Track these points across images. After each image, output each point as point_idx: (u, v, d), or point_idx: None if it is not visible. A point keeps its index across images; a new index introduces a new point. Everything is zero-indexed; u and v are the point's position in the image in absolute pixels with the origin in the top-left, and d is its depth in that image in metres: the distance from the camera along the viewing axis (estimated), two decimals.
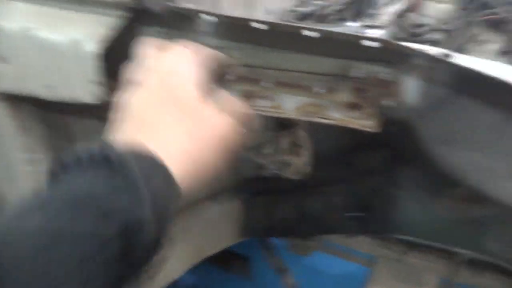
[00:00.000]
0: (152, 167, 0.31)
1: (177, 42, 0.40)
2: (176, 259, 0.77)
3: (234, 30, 0.44)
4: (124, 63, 0.51)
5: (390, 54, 0.38)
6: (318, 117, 0.44)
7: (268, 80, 0.46)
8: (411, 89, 0.39)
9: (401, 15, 0.73)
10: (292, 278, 0.97)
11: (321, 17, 0.76)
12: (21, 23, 0.49)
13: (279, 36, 0.42)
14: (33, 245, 0.26)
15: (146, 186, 0.29)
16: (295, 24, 0.39)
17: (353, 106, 0.43)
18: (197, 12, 0.44)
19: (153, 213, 0.29)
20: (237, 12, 0.66)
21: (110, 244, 0.27)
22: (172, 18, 0.47)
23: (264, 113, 0.47)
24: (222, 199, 0.81)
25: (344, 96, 0.43)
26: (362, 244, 0.95)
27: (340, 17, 0.73)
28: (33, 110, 0.57)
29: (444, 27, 0.84)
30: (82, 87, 0.47)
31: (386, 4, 0.73)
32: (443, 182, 0.38)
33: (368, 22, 0.62)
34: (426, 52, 0.36)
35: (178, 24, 0.47)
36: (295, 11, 0.79)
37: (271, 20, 0.40)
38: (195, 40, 0.47)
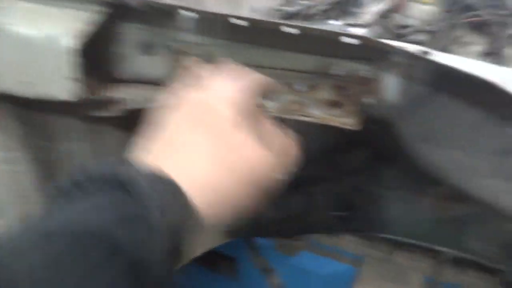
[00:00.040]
0: (171, 194, 0.28)
1: (222, 66, 0.37)
2: None
3: (214, 26, 0.43)
4: (103, 59, 0.50)
5: (370, 52, 0.38)
6: (299, 115, 0.44)
7: None
8: (391, 86, 0.39)
9: (385, 15, 0.74)
10: (278, 278, 0.96)
11: (306, 17, 0.76)
12: None
13: (260, 33, 0.41)
14: (33, 284, 0.23)
15: (162, 216, 0.26)
16: (274, 21, 0.38)
17: (334, 104, 0.43)
18: (176, 8, 0.43)
19: (167, 247, 0.26)
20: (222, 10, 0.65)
21: (118, 282, 0.24)
22: (152, 14, 0.46)
23: None
24: None
25: (325, 94, 0.43)
26: (349, 244, 0.95)
27: (326, 17, 0.73)
28: (10, 107, 0.55)
29: (428, 28, 0.85)
30: (59, 84, 0.46)
31: (370, 4, 0.74)
32: (425, 181, 0.38)
33: (351, 20, 0.62)
34: (405, 49, 0.36)
35: (158, 21, 0.47)
36: (280, 10, 0.78)
37: (251, 17, 0.39)
38: (176, 37, 0.47)
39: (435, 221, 0.50)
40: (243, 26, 0.40)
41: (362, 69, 0.40)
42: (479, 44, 0.91)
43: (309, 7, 0.77)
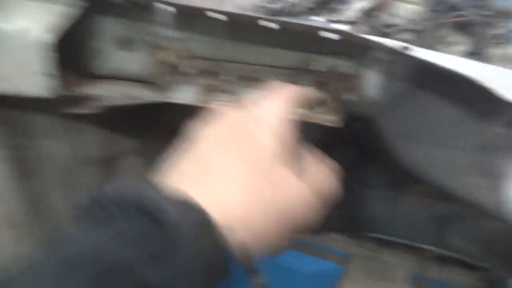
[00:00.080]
0: (202, 226, 0.25)
1: (267, 87, 0.34)
2: None
3: (193, 21, 0.42)
4: (79, 55, 0.48)
5: (350, 47, 0.37)
6: None
7: (230, 73, 0.45)
8: (372, 83, 0.39)
9: (369, 13, 0.74)
10: (262, 277, 0.96)
11: (290, 14, 0.75)
12: None
13: (239, 28, 0.41)
14: None
15: (193, 253, 0.24)
16: (253, 15, 0.37)
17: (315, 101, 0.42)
18: (153, 1, 0.42)
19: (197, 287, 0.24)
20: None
21: None
22: (129, 8, 0.45)
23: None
24: None
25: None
26: (336, 242, 0.95)
27: (310, 14, 0.73)
28: None
29: (413, 27, 0.85)
30: (32, 80, 0.44)
31: (354, 2, 0.73)
32: (407, 179, 0.37)
33: (334, 17, 0.61)
34: (386, 45, 0.36)
35: (136, 15, 0.45)
36: (265, 7, 0.78)
37: (229, 11, 0.38)
38: (155, 32, 0.46)
39: (419, 219, 0.50)
40: (222, 21, 0.39)
41: (343, 65, 0.40)
42: (463, 44, 0.92)
43: (293, 4, 0.77)
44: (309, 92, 0.35)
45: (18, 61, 0.44)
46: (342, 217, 0.63)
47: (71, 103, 0.50)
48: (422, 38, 0.85)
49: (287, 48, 0.41)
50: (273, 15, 0.77)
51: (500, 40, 0.91)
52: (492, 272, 0.83)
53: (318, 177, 0.32)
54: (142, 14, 0.45)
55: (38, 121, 0.59)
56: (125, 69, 0.49)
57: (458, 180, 0.35)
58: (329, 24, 0.50)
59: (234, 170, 0.28)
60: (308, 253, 1.05)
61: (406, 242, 0.75)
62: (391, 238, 0.71)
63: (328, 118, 0.41)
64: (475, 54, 0.88)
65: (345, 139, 0.39)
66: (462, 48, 0.91)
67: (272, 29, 0.38)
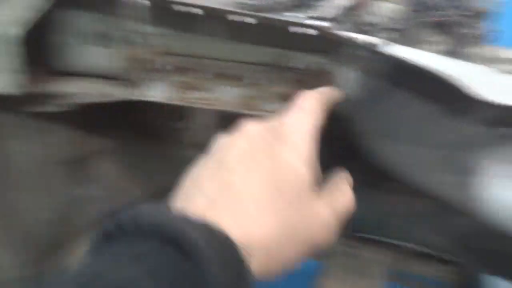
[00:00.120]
0: (229, 255, 0.24)
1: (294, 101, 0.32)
2: None
3: (168, 15, 0.41)
4: (48, 50, 0.46)
5: (328, 44, 0.37)
6: (255, 110, 0.42)
7: (206, 70, 0.43)
8: (349, 80, 0.38)
9: (350, 11, 0.74)
10: None
11: (272, 11, 0.74)
12: None
13: (215, 23, 0.39)
14: None
15: (221, 283, 0.22)
16: (228, 9, 0.36)
17: (291, 98, 0.41)
18: None
19: None
20: None
21: None
22: (100, 0, 0.43)
23: (201, 106, 0.44)
24: (165, 199, 0.78)
25: (283, 88, 0.41)
26: None
27: (290, 10, 0.72)
28: None
29: (394, 26, 0.85)
30: None
31: None
32: (381, 176, 0.37)
33: (314, 13, 0.61)
34: (361, 41, 0.35)
35: (108, 8, 0.44)
36: (245, 4, 0.77)
37: (204, 5, 0.37)
38: (129, 27, 0.44)
39: (393, 216, 0.50)
40: (198, 15, 0.38)
41: (320, 62, 0.39)
42: (442, 43, 0.93)
43: (274, 1, 0.76)
44: (331, 93, 0.34)
45: None
46: None
47: (39, 101, 0.48)
48: (403, 37, 0.85)
49: (265, 45, 0.40)
50: (254, 11, 0.76)
51: (477, 39, 0.92)
52: (465, 266, 0.85)
53: (338, 196, 0.31)
54: (114, 8, 0.43)
55: (4, 120, 0.57)
56: (96, 65, 0.47)
57: (430, 178, 0.35)
58: (307, 20, 0.50)
59: (259, 194, 0.27)
60: None
61: (381, 238, 0.76)
62: (364, 235, 0.71)
63: None
64: (454, 53, 0.90)
65: (321, 137, 0.38)
66: (441, 47, 0.92)
67: (249, 25, 0.37)
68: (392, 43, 0.37)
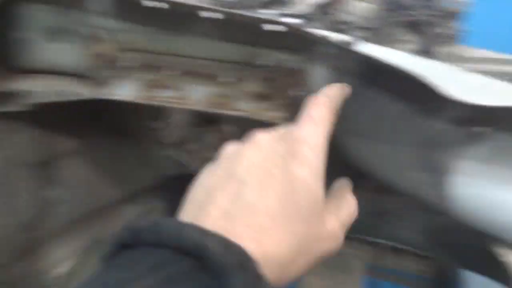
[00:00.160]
0: (249, 270, 0.23)
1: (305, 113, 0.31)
2: (92, 270, 0.70)
3: (133, 10, 0.39)
4: (3, 46, 0.44)
5: (297, 41, 0.36)
6: (227, 109, 0.41)
7: (173, 68, 0.42)
8: (319, 78, 0.38)
9: (324, 9, 0.73)
10: None
11: (245, 8, 0.73)
12: None
13: (182, 18, 0.38)
14: None
15: None
16: (195, 4, 0.35)
17: (262, 97, 0.40)
18: None
19: None
20: None
21: None
22: None
23: (169, 105, 0.43)
24: (141, 200, 0.76)
25: (253, 86, 0.41)
26: None
27: (264, 7, 0.71)
28: None
29: (367, 25, 0.86)
30: None
31: None
32: (356, 175, 0.37)
33: (287, 10, 0.60)
34: (331, 39, 0.35)
35: (69, 2, 0.41)
36: (221, 0, 0.75)
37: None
38: (89, 22, 0.42)
39: (368, 213, 0.50)
40: (163, 10, 0.36)
41: (290, 60, 0.39)
42: (413, 42, 0.94)
43: None
44: (339, 93, 0.33)
45: None
46: None
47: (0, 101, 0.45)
48: (376, 36, 0.86)
49: (233, 42, 0.39)
50: (229, 8, 0.75)
51: (449, 39, 0.95)
52: (437, 260, 0.87)
53: (343, 207, 0.31)
54: (76, 2, 0.41)
55: None
56: (58, 62, 0.45)
57: (403, 176, 0.35)
58: (278, 17, 0.49)
59: (274, 209, 0.27)
60: None
61: (358, 236, 0.77)
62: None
63: (275, 115, 0.39)
64: (424, 52, 0.91)
65: None
66: (412, 46, 0.94)
67: (216, 21, 0.36)
68: (365, 42, 0.36)
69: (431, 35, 0.92)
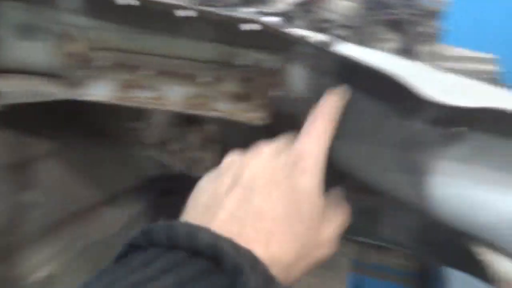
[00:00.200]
0: (261, 271, 0.24)
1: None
2: (72, 274, 0.69)
3: (103, 7, 0.38)
4: None
5: (275, 41, 0.35)
6: (205, 109, 0.40)
7: (149, 67, 0.41)
8: (298, 78, 0.37)
9: (305, 8, 0.73)
10: None
11: (225, 6, 0.72)
12: None
13: (156, 17, 0.37)
14: None
15: None
16: (169, 2, 0.34)
17: (240, 97, 0.40)
18: None
19: None
20: None
21: None
22: None
23: (145, 106, 0.41)
24: (122, 202, 0.74)
25: (231, 86, 0.40)
26: None
27: (243, 5, 0.70)
28: None
29: (348, 24, 0.86)
30: None
31: None
32: (336, 174, 0.37)
33: (267, 9, 0.59)
34: (308, 39, 0.34)
35: None
36: None
37: None
38: (60, 19, 0.40)
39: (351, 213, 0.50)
40: (135, 7, 0.35)
41: (268, 59, 0.38)
42: (394, 41, 0.95)
43: None
44: (339, 100, 0.34)
45: None
46: None
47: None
48: (357, 34, 0.86)
49: (210, 41, 0.38)
50: (207, 6, 0.74)
51: (429, 38, 0.96)
52: (418, 256, 0.88)
53: (339, 214, 0.34)
54: None
55: None
56: (30, 61, 0.43)
57: (382, 176, 0.35)
58: (258, 15, 0.48)
59: (281, 216, 0.28)
60: None
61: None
62: None
63: (253, 116, 0.39)
64: (405, 51, 0.92)
65: (272, 137, 0.37)
66: (393, 45, 0.94)
67: (192, 20, 0.35)
68: (343, 41, 0.36)
69: (412, 33, 0.92)
